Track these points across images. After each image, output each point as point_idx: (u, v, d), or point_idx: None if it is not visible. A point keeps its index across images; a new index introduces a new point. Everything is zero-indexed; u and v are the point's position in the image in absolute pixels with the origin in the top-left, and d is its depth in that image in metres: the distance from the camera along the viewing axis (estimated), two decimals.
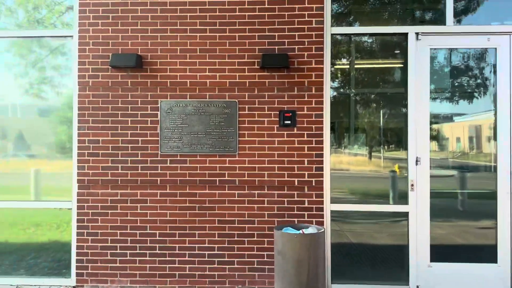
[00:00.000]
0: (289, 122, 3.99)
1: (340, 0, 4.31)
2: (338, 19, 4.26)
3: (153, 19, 4.03)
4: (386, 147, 4.27)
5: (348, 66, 4.32)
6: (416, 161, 4.06)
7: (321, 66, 3.98)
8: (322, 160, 3.97)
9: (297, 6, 3.98)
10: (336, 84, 4.29)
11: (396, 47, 4.25)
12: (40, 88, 4.33)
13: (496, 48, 4.12)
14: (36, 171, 4.34)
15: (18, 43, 4.32)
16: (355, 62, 4.29)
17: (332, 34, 4.11)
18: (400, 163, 4.17)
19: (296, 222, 3.94)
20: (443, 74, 4.26)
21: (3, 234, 4.34)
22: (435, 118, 4.19)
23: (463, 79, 4.25)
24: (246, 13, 4.00)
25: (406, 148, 4.11)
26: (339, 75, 4.33)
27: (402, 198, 4.12)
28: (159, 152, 4.03)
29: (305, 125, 3.99)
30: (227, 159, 4.00)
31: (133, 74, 4.04)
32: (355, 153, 4.28)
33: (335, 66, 4.25)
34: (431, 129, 4.13)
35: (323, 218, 3.96)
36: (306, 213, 3.96)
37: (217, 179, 4.00)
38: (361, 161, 4.28)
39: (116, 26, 4.05)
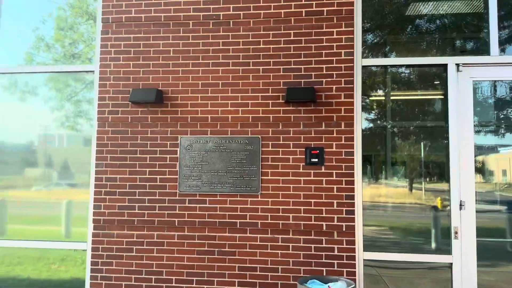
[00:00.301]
0: (316, 160, 3.68)
1: (372, 31, 4.05)
2: (369, 50, 4.00)
3: (175, 53, 3.91)
4: (425, 179, 3.89)
5: (382, 98, 4.02)
6: (460, 205, 3.62)
7: (351, 100, 3.69)
8: (353, 202, 3.61)
9: (324, 37, 3.74)
10: (369, 116, 3.99)
11: (435, 78, 3.92)
12: (76, 121, 4.28)
13: None
14: (68, 203, 4.24)
15: (54, 77, 4.31)
16: (390, 93, 3.98)
17: (363, 66, 3.83)
18: (442, 195, 3.77)
19: (324, 273, 3.56)
20: (487, 106, 3.87)
21: (26, 270, 4.21)
22: (479, 150, 3.78)
23: (510, 111, 3.84)
24: (271, 46, 3.80)
25: (447, 181, 3.71)
26: (373, 107, 4.03)
27: (445, 238, 3.68)
28: (178, 191, 3.80)
29: (334, 164, 3.66)
30: (249, 199, 3.72)
31: (153, 109, 3.89)
32: (391, 186, 3.93)
33: (370, 98, 3.97)
34: (474, 161, 3.71)
35: (355, 268, 3.55)
36: (335, 261, 3.57)
37: (238, 221, 3.71)
38: (397, 194, 3.92)
39: (137, 61, 3.95)
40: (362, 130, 3.87)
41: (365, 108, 3.97)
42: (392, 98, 4.02)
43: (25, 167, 4.40)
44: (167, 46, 3.92)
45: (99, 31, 4.03)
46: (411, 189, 3.92)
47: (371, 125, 4.02)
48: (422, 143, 3.94)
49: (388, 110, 4.00)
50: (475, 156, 3.71)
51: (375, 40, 4.08)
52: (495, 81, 3.85)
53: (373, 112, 4.05)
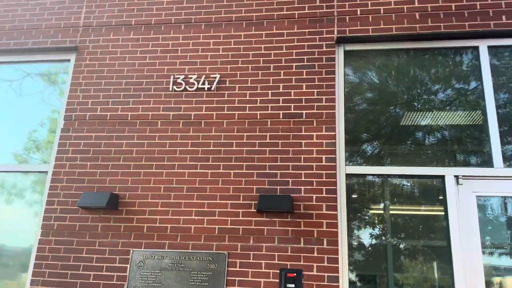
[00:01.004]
0: (292, 286, 2.99)
1: (360, 137, 3.66)
2: (355, 156, 3.56)
3: (138, 153, 3.51)
4: None
5: (376, 211, 3.45)
6: None
7: (334, 212, 3.13)
8: None
9: (303, 141, 3.35)
10: (361, 232, 3.38)
11: (435, 191, 3.39)
12: None
13: None
14: None
15: (40, 180, 3.81)
16: (389, 207, 3.43)
17: (347, 174, 3.36)
18: None
19: None
20: (498, 224, 3.26)
21: None
22: (495, 271, 3.09)
23: None
24: (244, 148, 3.40)
25: None
26: (364, 221, 3.44)
27: None
28: None
29: None
30: None
31: (106, 216, 3.35)
32: None
33: (371, 211, 3.41)
34: (489, 283, 2.98)
35: None
36: None
37: None
38: None
39: (96, 161, 3.53)
40: (352, 247, 3.23)
41: (357, 222, 3.38)
42: (387, 211, 3.45)
43: (20, 272, 3.68)
44: (130, 146, 3.54)
45: (59, 129, 3.70)
46: None
47: (362, 241, 3.38)
48: (427, 264, 3.26)
49: (382, 224, 3.41)
50: (487, 279, 3.01)
51: (363, 147, 3.66)
52: (505, 197, 3.31)
53: (364, 227, 3.45)
